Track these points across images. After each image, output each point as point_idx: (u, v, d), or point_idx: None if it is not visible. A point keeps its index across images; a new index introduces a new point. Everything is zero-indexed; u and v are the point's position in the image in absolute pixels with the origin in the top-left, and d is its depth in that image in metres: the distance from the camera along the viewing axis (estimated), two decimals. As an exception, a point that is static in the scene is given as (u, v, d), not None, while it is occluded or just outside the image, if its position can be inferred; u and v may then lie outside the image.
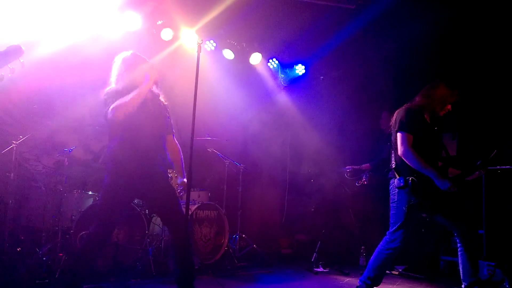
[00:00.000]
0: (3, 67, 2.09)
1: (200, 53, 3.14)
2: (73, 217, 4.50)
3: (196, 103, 3.09)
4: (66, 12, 4.77)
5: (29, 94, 4.84)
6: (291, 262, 5.69)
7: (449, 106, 3.47)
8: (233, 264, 5.00)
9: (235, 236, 5.41)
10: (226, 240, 5.04)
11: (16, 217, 4.51)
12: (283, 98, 6.87)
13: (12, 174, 4.30)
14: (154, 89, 3.30)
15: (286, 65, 6.82)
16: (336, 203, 6.02)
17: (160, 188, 3.18)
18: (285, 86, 6.88)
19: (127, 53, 3.26)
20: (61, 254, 4.21)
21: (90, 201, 4.64)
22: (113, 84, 3.19)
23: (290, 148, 6.94)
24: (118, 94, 3.04)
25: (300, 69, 6.82)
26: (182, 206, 4.83)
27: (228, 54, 6.06)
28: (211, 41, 5.81)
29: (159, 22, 5.32)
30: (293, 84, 6.95)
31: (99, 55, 5.08)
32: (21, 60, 2.14)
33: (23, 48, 2.10)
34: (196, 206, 4.91)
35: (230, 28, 5.58)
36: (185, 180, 3.46)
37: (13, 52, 2.11)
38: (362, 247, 5.27)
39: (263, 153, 6.49)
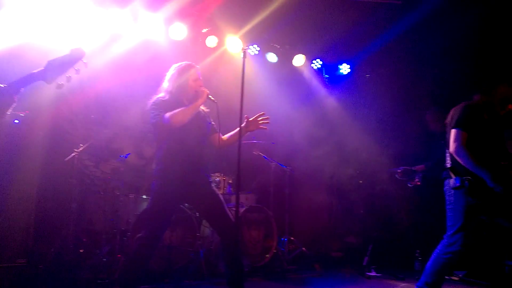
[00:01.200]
0: (69, 69, 2.20)
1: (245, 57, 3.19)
2: (129, 220, 4.74)
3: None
4: (118, 25, 5.05)
5: (87, 104, 5.17)
6: (342, 265, 5.62)
7: (511, 106, 3.31)
8: (283, 266, 5.03)
9: (284, 239, 5.44)
10: (275, 243, 5.07)
11: (79, 220, 4.81)
12: (328, 99, 6.81)
13: (74, 180, 4.62)
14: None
15: (330, 65, 6.76)
16: (387, 205, 5.87)
17: (204, 193, 3.27)
18: (330, 86, 6.82)
19: (181, 63, 3.39)
20: (119, 256, 4.45)
21: (144, 205, 4.86)
22: (165, 92, 3.33)
23: (336, 149, 6.86)
24: (169, 103, 3.19)
25: (345, 69, 6.73)
26: (230, 209, 4.98)
27: (272, 57, 6.12)
28: (255, 46, 5.90)
29: (204, 30, 5.49)
30: (338, 84, 6.87)
31: (149, 64, 5.34)
32: (84, 61, 2.24)
33: (84, 50, 2.21)
34: (244, 208, 5.00)
35: (273, 32, 5.63)
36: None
37: (77, 54, 2.22)
38: (417, 250, 5.06)
39: (309, 154, 6.47)
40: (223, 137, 3.48)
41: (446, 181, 3.29)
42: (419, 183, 5.26)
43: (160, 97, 3.30)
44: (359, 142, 6.40)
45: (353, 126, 6.63)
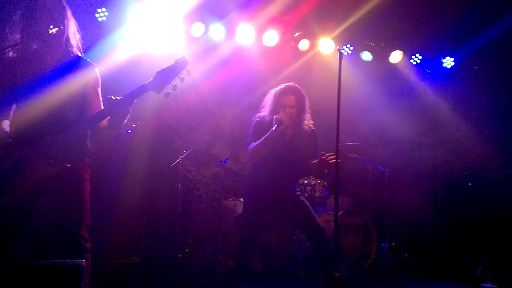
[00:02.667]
0: (175, 78, 2.33)
1: (338, 59, 3.12)
2: (229, 222, 4.94)
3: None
4: (215, 35, 5.31)
5: (188, 111, 5.54)
6: (450, 274, 5.19)
7: None
8: (383, 273, 4.82)
9: (384, 244, 5.20)
10: (375, 248, 4.88)
11: (184, 221, 5.15)
12: (429, 95, 6.37)
13: (179, 185, 4.97)
14: (299, 118, 3.40)
15: (431, 59, 6.32)
16: (503, 209, 5.29)
17: (291, 207, 3.43)
18: (432, 82, 6.38)
19: (280, 87, 3.45)
20: (220, 256, 4.66)
21: (241, 208, 5.03)
22: (262, 113, 3.49)
23: (440, 149, 6.37)
24: (262, 126, 3.35)
25: (448, 62, 6.25)
26: (327, 212, 4.91)
27: (366, 56, 5.94)
28: (348, 45, 5.77)
29: (296, 34, 5.53)
30: (441, 78, 6.39)
31: (243, 71, 5.55)
32: (188, 70, 2.34)
33: (187, 59, 2.34)
34: (341, 212, 4.90)
35: (367, 30, 5.47)
36: None
37: (181, 63, 2.32)
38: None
39: (410, 155, 6.11)
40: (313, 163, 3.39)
41: None
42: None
43: (258, 118, 3.47)
44: (467, 141, 5.88)
45: (460, 124, 6.10)
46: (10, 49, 2.40)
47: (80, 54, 2.51)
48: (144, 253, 4.86)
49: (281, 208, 3.50)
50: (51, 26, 2.36)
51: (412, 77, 6.29)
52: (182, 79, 2.33)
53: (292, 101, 3.35)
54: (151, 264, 4.72)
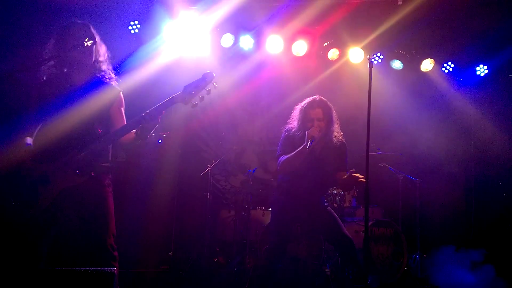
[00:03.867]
0: (202, 91, 2.51)
1: (368, 68, 3.09)
2: (257, 231, 4.93)
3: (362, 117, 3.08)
4: (244, 46, 5.37)
5: (217, 121, 5.60)
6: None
7: None
8: (415, 285, 4.70)
9: (415, 256, 5.07)
10: (406, 260, 4.77)
11: (212, 230, 5.17)
12: (462, 103, 6.22)
13: (208, 194, 5.01)
14: (328, 131, 3.39)
15: (464, 67, 6.18)
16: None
17: (318, 219, 3.43)
18: (464, 90, 6.23)
19: (309, 100, 3.45)
20: (248, 265, 4.65)
21: (270, 217, 5.01)
22: (291, 125, 3.48)
23: (474, 158, 6.19)
24: (292, 139, 3.36)
25: (482, 70, 6.09)
26: (356, 222, 4.84)
27: (397, 64, 5.87)
28: (378, 54, 5.72)
29: (326, 44, 5.53)
30: (474, 86, 6.23)
31: (270, 82, 5.58)
32: (214, 84, 2.53)
33: (214, 74, 2.53)
34: (371, 223, 4.82)
35: (398, 39, 5.41)
36: None
37: (208, 78, 2.52)
38: None
39: (442, 164, 5.96)
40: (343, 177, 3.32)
41: None
42: None
43: (287, 131, 3.47)
44: (501, 150, 5.69)
45: (495, 132, 5.92)
46: (45, 73, 2.66)
47: (108, 76, 2.72)
48: (173, 262, 4.91)
49: (309, 220, 3.49)
50: (81, 52, 2.57)
51: (444, 85, 6.16)
52: (208, 92, 2.52)
53: (319, 114, 3.34)
54: (180, 273, 4.76)
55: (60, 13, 4.34)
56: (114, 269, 2.14)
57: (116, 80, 2.77)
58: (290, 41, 5.38)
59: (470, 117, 6.21)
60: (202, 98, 2.52)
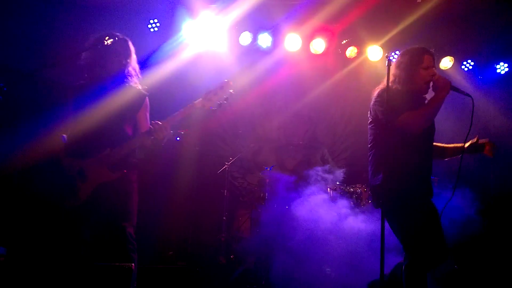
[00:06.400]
0: (220, 98, 2.72)
1: (386, 66, 3.04)
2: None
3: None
4: (263, 44, 5.39)
5: (235, 119, 5.62)
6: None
7: None
8: (431, 286, 4.61)
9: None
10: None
11: (229, 227, 5.19)
12: (481, 102, 6.11)
13: (225, 191, 5.03)
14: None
15: (484, 65, 6.10)
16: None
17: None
18: (485, 88, 6.13)
19: (411, 48, 2.95)
20: (264, 263, 4.64)
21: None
22: (392, 81, 2.77)
23: (494, 162, 6.06)
24: (399, 95, 2.71)
25: (502, 68, 6.00)
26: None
27: (415, 62, 5.80)
28: (396, 52, 5.66)
29: (344, 42, 5.50)
30: (494, 84, 6.14)
31: (288, 80, 5.57)
32: (231, 91, 2.75)
33: (231, 82, 2.75)
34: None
35: (416, 37, 5.36)
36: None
37: (226, 87, 2.74)
38: None
39: (458, 162, 5.85)
40: (439, 144, 3.01)
41: None
42: None
43: (390, 85, 2.69)
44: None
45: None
46: (79, 74, 2.88)
47: (136, 81, 2.90)
48: (190, 258, 4.94)
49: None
50: (117, 63, 2.81)
51: (464, 83, 6.07)
52: (226, 99, 2.74)
53: (432, 61, 2.84)
54: (196, 269, 4.78)
55: (83, 10, 4.41)
56: (132, 265, 2.28)
57: (142, 84, 2.93)
58: (308, 39, 5.38)
59: (489, 119, 6.10)
60: (220, 105, 2.73)
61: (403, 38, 5.28)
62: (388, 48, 5.49)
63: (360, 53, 5.57)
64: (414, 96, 2.78)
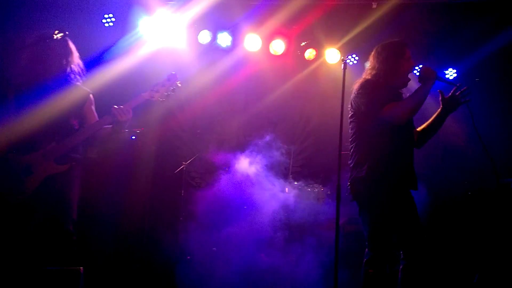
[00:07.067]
0: (167, 90, 2.87)
1: (342, 68, 3.13)
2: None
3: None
4: (222, 44, 5.36)
5: (193, 119, 5.56)
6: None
7: None
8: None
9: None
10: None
11: (186, 229, 5.11)
12: (432, 106, 6.39)
13: (182, 191, 4.96)
14: None
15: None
16: (496, 220, 5.27)
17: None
18: (435, 93, 6.41)
19: (391, 41, 2.97)
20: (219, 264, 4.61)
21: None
22: (374, 75, 2.83)
23: (442, 162, 6.37)
24: (382, 87, 2.75)
25: (451, 73, 6.30)
26: (330, 220, 4.90)
27: (371, 66, 5.99)
28: (353, 56, 5.84)
29: (303, 44, 5.58)
30: (444, 90, 6.42)
31: (248, 80, 5.57)
32: (178, 83, 2.92)
33: (177, 75, 2.92)
34: (344, 220, 4.90)
35: (372, 41, 5.53)
36: None
37: (172, 79, 2.91)
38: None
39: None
40: (418, 129, 3.00)
41: None
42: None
43: (371, 79, 2.82)
44: (466, 151, 5.89)
45: (460, 134, 6.13)
46: (20, 69, 2.88)
47: (79, 79, 2.96)
48: (146, 260, 4.83)
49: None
50: (58, 61, 2.84)
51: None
52: (173, 90, 2.92)
53: (410, 53, 2.92)
54: (152, 272, 4.69)
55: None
56: (81, 268, 2.32)
57: (84, 81, 2.99)
58: (267, 39, 5.41)
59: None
60: (167, 96, 2.90)
61: (359, 41, 5.43)
62: (346, 51, 5.63)
63: (318, 55, 5.67)
64: (393, 90, 2.84)
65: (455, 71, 6.29)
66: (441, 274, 5.16)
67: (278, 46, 5.44)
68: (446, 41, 5.64)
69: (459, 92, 2.93)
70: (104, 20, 4.93)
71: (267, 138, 4.98)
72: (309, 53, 5.64)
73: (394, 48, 2.90)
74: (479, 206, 5.58)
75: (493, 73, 6.01)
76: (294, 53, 5.66)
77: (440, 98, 2.95)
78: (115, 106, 2.76)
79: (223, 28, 5.27)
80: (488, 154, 2.86)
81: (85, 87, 2.98)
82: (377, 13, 4.95)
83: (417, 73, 2.89)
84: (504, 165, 5.39)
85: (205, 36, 5.23)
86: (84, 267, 2.39)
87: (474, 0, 4.86)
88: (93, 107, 2.98)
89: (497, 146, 5.64)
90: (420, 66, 2.94)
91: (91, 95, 2.98)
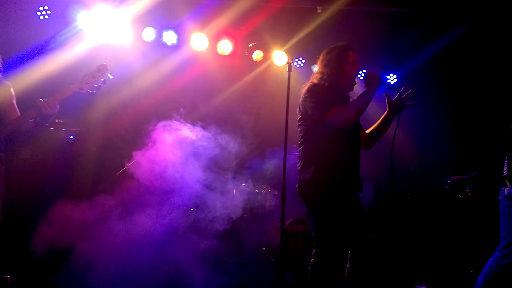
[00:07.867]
0: (98, 81, 2.83)
1: (287, 71, 3.18)
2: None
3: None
4: (168, 42, 5.23)
5: (138, 118, 5.37)
6: (385, 278, 5.36)
7: None
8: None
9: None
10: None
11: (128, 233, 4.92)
12: (375, 111, 6.65)
13: (125, 193, 4.76)
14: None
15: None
16: (436, 216, 5.62)
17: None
18: (379, 98, 6.66)
19: (336, 45, 3.01)
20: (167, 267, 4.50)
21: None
22: (320, 79, 2.89)
23: (386, 163, 6.64)
24: (328, 91, 2.81)
25: (392, 79, 6.58)
26: (276, 220, 4.94)
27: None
28: (300, 58, 5.93)
29: (251, 45, 5.60)
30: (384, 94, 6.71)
31: (196, 80, 5.49)
32: (110, 76, 2.88)
33: (108, 66, 2.88)
34: (290, 220, 4.96)
35: (318, 45, 5.66)
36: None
37: (102, 69, 2.86)
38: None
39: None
40: (366, 131, 3.06)
41: (501, 190, 3.14)
42: (470, 194, 4.96)
43: (317, 83, 2.88)
44: (406, 153, 6.18)
45: (400, 136, 6.40)
46: None
47: None
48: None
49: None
50: None
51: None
52: (104, 81, 2.87)
53: (355, 57, 2.96)
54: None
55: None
56: (8, 277, 2.31)
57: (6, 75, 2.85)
58: (215, 39, 5.37)
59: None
60: (98, 87, 2.84)
61: (305, 45, 5.53)
62: (292, 53, 5.71)
63: (266, 57, 5.72)
64: (339, 93, 2.90)
65: (395, 76, 6.58)
66: (383, 271, 5.36)
67: (225, 46, 5.43)
68: (387, 47, 5.87)
69: (404, 95, 3.00)
70: (39, 13, 4.65)
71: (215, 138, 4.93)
72: (257, 55, 5.68)
73: (338, 52, 2.95)
74: (417, 205, 5.89)
75: (429, 78, 6.36)
76: (242, 54, 5.68)
77: (386, 101, 3.01)
78: (41, 99, 2.66)
79: (168, 26, 5.16)
80: (391, 161, 3.02)
81: (8, 81, 2.85)
82: (321, 18, 5.06)
83: (362, 78, 2.96)
84: (441, 166, 5.74)
85: (149, 34, 5.10)
86: (11, 276, 2.24)
87: (409, 9, 5.06)
88: (14, 101, 2.86)
89: (434, 148, 6.03)
90: (365, 71, 3.00)
91: (11, 89, 2.86)
